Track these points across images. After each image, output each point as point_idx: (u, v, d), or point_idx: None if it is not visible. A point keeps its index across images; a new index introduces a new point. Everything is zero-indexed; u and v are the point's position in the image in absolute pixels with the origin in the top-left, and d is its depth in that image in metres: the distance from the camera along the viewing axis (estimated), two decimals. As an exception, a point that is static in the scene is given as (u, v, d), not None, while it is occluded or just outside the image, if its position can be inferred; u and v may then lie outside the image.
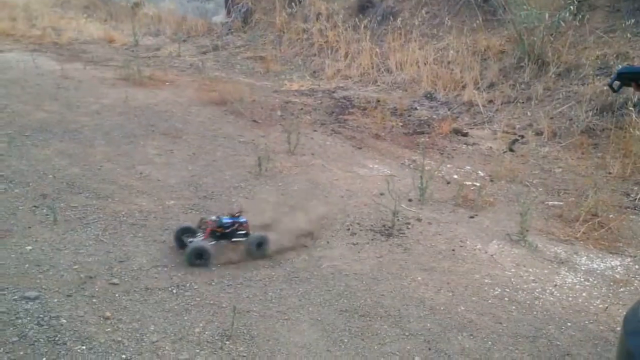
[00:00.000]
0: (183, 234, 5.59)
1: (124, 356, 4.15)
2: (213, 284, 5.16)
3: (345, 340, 4.68)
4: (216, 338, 4.53)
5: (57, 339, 4.23)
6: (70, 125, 8.48)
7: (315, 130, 9.26)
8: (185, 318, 4.70)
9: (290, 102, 10.31)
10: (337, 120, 9.75)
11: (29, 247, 5.35)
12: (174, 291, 4.98)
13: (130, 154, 7.75)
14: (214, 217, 5.74)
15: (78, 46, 14.07)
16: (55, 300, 4.65)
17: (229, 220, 5.73)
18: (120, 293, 4.86)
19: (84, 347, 4.18)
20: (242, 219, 5.80)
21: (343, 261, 5.77)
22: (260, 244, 5.70)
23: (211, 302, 4.92)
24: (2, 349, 4.03)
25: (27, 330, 4.27)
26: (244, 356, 4.40)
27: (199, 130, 8.77)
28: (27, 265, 5.07)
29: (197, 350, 4.36)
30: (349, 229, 6.40)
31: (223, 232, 5.69)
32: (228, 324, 4.62)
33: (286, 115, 9.67)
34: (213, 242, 5.60)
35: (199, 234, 5.62)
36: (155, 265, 5.35)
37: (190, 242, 5.48)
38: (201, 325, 4.63)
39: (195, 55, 13.08)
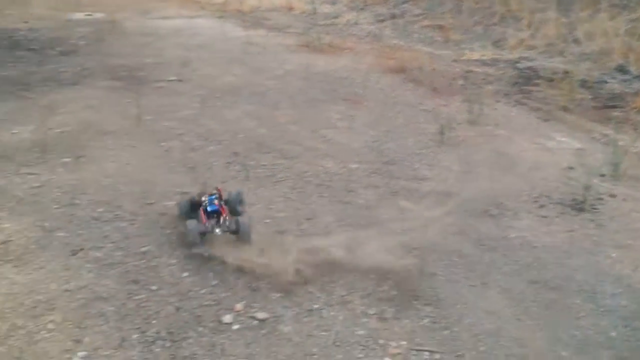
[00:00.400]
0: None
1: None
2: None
3: (535, 310, 4.47)
4: (404, 298, 4.52)
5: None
6: (257, 89, 8.80)
7: (498, 101, 8.90)
8: (372, 276, 4.73)
9: (471, 71, 9.99)
10: (521, 91, 9.31)
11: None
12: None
13: (314, 117, 7.90)
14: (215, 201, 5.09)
15: (260, 14, 14.57)
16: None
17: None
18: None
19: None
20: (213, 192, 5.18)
21: (531, 233, 5.50)
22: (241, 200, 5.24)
23: (398, 265, 4.91)
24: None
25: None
26: (432, 317, 4.35)
27: (379, 97, 8.75)
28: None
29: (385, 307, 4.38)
30: (536, 202, 6.08)
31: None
32: (415, 285, 4.58)
33: (467, 84, 9.38)
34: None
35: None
36: (340, 225, 5.43)
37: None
38: (390, 283, 4.65)
39: (373, 23, 13.07)
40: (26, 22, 12.31)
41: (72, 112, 7.59)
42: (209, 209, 4.99)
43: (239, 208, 5.22)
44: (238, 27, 12.36)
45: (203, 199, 5.09)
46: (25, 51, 10.16)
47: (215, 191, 5.15)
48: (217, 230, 4.88)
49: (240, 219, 4.95)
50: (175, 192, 5.70)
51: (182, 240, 4.91)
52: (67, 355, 3.73)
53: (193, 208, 5.14)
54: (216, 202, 5.03)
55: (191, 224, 4.84)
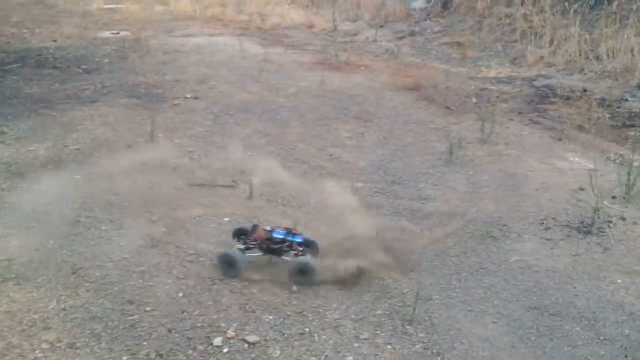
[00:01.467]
0: (240, 235, 5.15)
1: (305, 330, 4.27)
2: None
3: (533, 339, 4.43)
4: (398, 322, 4.51)
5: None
6: (270, 107, 8.89)
7: (511, 120, 8.85)
8: (366, 299, 4.74)
9: (486, 89, 9.95)
10: (536, 110, 9.23)
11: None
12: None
13: (323, 135, 7.95)
14: (268, 228, 5.11)
15: (281, 31, 14.73)
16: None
17: (280, 236, 5.04)
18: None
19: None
20: (297, 238, 5.05)
21: (534, 256, 5.45)
22: (303, 271, 4.84)
23: (394, 287, 4.90)
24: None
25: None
26: (424, 343, 4.33)
27: (391, 115, 8.76)
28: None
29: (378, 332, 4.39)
30: (542, 224, 6.02)
31: (269, 247, 5.02)
32: (410, 309, 4.57)
33: (481, 103, 9.35)
34: (257, 254, 5.03)
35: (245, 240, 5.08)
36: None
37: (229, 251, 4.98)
38: (385, 306, 4.65)
39: (392, 40, 13.11)
40: (55, 40, 12.60)
41: (88, 129, 7.74)
42: (275, 233, 5.01)
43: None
44: (258, 45, 12.50)
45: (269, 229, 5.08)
46: (51, 69, 10.39)
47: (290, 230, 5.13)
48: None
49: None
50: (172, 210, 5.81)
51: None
52: (58, 377, 3.81)
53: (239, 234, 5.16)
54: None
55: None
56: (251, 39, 13.34)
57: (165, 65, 10.86)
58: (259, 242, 5.03)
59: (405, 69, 10.95)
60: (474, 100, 9.49)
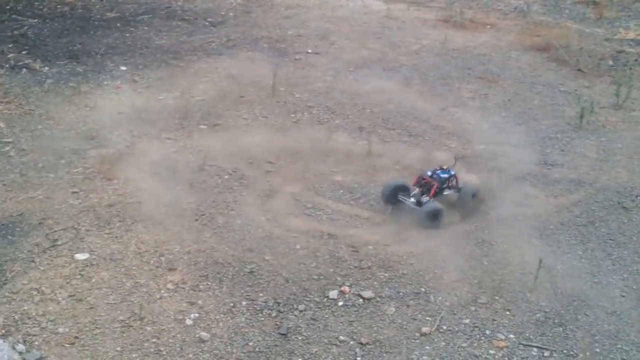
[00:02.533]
0: (397, 192, 5.27)
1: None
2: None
3: (663, 317, 4.19)
4: (517, 289, 4.38)
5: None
6: (390, 64, 8.72)
7: (651, 84, 8.21)
8: (485, 263, 4.64)
9: (623, 51, 9.26)
10: (682, 76, 8.51)
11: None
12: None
13: (444, 95, 7.73)
14: (429, 173, 5.33)
15: (404, -14, 14.37)
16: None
17: (445, 175, 5.33)
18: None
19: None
20: (452, 172, 5.38)
21: (669, 232, 5.10)
22: (474, 194, 5.37)
23: (515, 254, 4.77)
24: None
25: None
26: (546, 312, 4.19)
27: (517, 76, 8.37)
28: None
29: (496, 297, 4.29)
30: (679, 197, 5.62)
31: (440, 188, 5.30)
32: (531, 277, 4.42)
33: (617, 66, 8.71)
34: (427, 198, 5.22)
35: (415, 192, 5.24)
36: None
37: (413, 201, 5.18)
38: (504, 272, 4.54)
39: (521, -2, 12.50)
40: (183, -8, 12.97)
41: (213, 81, 7.91)
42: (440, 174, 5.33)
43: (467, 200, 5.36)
44: (379, 1, 12.22)
45: (429, 172, 5.39)
46: (179, 21, 10.67)
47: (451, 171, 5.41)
48: (411, 200, 5.19)
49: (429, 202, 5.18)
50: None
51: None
52: (181, 316, 3.98)
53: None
54: (429, 179, 5.31)
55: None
56: (373, -7, 13.10)
57: (287, 20, 10.88)
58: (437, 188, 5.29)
59: (534, 27, 10.37)
60: (610, 62, 8.87)
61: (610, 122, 7.05)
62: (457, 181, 5.42)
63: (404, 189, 5.28)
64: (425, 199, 5.18)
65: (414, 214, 5.14)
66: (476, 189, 5.44)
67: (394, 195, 5.25)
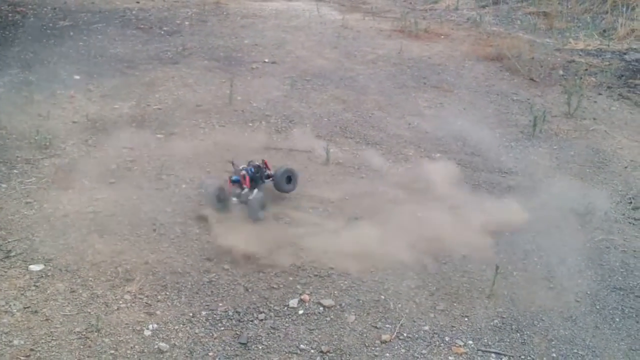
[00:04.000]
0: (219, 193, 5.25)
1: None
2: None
3: (617, 320, 4.30)
4: (475, 296, 4.44)
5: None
6: (347, 73, 8.79)
7: (599, 94, 8.47)
8: (444, 270, 4.68)
9: (573, 61, 9.54)
10: (627, 85, 8.80)
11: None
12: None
13: (401, 104, 7.82)
14: (243, 172, 5.33)
15: (360, -3, 14.51)
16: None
17: (252, 169, 5.34)
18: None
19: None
20: (256, 163, 5.43)
21: (621, 236, 5.26)
22: (289, 177, 5.41)
23: (474, 261, 4.83)
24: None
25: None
26: (503, 317, 4.25)
27: (471, 85, 8.53)
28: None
29: (454, 304, 4.33)
30: (630, 202, 5.80)
31: (252, 179, 5.33)
32: (489, 283, 4.49)
33: (568, 75, 8.97)
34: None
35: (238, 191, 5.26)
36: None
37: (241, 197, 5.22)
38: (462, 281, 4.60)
39: (474, 8, 12.70)
40: (138, 2, 12.79)
41: (169, 90, 7.85)
42: (233, 178, 5.31)
43: (286, 186, 5.43)
44: (335, 11, 12.34)
45: (241, 167, 5.38)
46: (134, 30, 10.55)
47: (259, 163, 5.43)
48: (234, 199, 5.18)
49: (253, 194, 5.13)
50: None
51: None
52: (139, 327, 3.91)
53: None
54: (243, 172, 5.29)
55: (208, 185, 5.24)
56: (329, 4, 13.16)
57: (243, 29, 10.87)
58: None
59: (487, 38, 10.60)
60: (560, 72, 9.12)
61: (562, 131, 7.23)
62: (266, 169, 5.48)
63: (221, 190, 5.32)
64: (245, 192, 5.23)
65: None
66: (289, 170, 5.44)
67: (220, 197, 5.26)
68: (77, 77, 7.94)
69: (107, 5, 12.02)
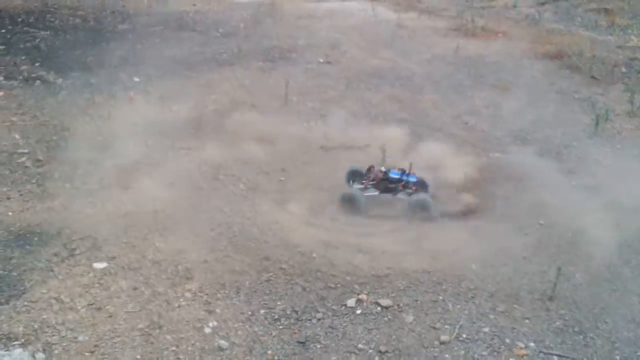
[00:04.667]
0: (352, 176, 5.59)
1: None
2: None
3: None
4: (536, 297, 4.35)
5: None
6: (402, 73, 8.73)
7: (666, 92, 8.18)
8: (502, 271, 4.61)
9: (636, 59, 9.22)
10: (691, 82, 8.48)
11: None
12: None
13: (457, 103, 7.72)
14: (383, 169, 5.49)
15: (416, -5, 14.36)
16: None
17: (396, 176, 5.43)
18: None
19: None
20: (411, 178, 5.40)
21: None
22: (423, 206, 5.27)
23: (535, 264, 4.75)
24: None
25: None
26: (565, 320, 4.15)
27: (530, 83, 8.34)
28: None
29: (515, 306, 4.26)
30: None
31: (387, 186, 5.43)
32: (551, 285, 4.39)
33: (630, 73, 8.69)
34: (375, 193, 5.45)
35: (363, 180, 5.49)
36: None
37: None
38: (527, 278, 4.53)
39: (533, 6, 12.41)
40: (194, 4, 12.98)
41: (226, 91, 7.94)
42: (391, 174, 5.41)
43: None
44: (390, 10, 12.26)
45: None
46: (190, 32, 10.73)
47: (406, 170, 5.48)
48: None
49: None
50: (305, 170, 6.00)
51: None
52: (199, 325, 3.97)
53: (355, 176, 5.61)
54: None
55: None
56: (384, 3, 13.08)
57: (298, 30, 10.92)
58: (375, 182, 5.45)
59: (546, 35, 10.36)
60: (623, 69, 8.84)
61: (625, 129, 7.03)
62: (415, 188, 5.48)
63: (358, 175, 5.61)
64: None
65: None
66: (425, 202, 5.34)
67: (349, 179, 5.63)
68: (136, 79, 8.11)
69: (165, 8, 12.25)
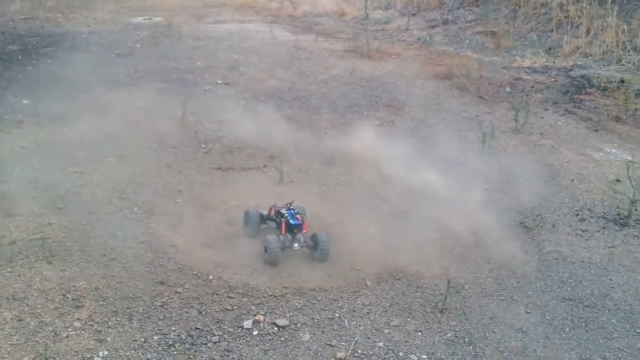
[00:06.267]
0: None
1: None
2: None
3: (567, 330, 4.37)
4: (428, 310, 4.48)
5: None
6: (300, 93, 8.85)
7: (546, 110, 8.72)
8: (397, 286, 4.71)
9: (520, 79, 9.81)
10: (572, 100, 9.08)
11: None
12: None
13: (353, 122, 7.89)
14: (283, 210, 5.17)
15: (312, 19, 14.63)
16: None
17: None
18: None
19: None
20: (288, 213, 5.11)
21: (569, 247, 5.37)
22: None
23: (426, 276, 4.88)
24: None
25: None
26: (455, 331, 4.29)
27: (422, 103, 8.67)
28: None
29: (408, 319, 4.36)
30: (577, 214, 5.94)
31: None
32: (441, 298, 4.53)
33: (515, 92, 9.21)
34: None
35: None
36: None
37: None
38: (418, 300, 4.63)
39: (424, 29, 12.96)
40: (88, 25, 12.68)
41: (121, 113, 7.75)
42: (291, 222, 5.02)
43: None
44: (288, 32, 12.45)
45: (283, 211, 5.13)
46: (84, 53, 10.46)
47: (289, 206, 5.19)
48: (295, 245, 4.95)
49: (320, 234, 4.94)
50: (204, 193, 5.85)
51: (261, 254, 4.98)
52: (89, 355, 3.83)
53: (262, 220, 5.28)
54: (298, 217, 5.07)
55: (272, 240, 4.87)
56: (282, 26, 13.29)
57: (196, 51, 10.87)
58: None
59: (437, 57, 10.83)
60: (508, 89, 9.36)
61: (510, 146, 7.41)
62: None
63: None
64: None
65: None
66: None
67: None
68: (25, 101, 7.81)
69: (57, 29, 11.92)
